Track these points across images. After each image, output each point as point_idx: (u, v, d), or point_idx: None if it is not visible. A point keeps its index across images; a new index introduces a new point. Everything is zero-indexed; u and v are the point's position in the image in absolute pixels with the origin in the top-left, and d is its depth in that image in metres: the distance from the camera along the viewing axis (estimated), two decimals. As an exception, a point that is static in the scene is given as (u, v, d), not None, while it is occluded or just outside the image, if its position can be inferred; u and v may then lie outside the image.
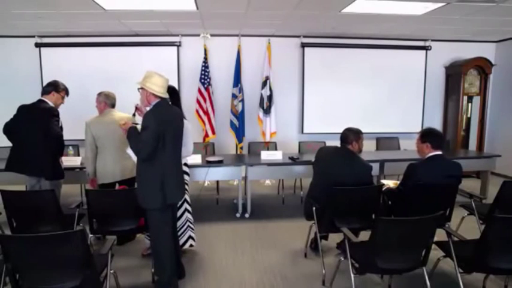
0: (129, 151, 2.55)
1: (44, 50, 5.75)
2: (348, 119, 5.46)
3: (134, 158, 2.56)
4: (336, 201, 2.76)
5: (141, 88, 2.48)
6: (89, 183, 3.37)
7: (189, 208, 3.24)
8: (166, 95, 2.51)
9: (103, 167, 3.26)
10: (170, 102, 2.65)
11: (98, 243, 3.39)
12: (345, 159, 2.91)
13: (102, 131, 3.23)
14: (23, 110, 3.26)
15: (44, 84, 3.54)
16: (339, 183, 2.72)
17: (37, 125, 3.16)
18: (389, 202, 3.08)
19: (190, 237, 3.26)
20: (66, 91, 3.46)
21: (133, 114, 2.59)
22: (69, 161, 4.14)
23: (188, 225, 3.23)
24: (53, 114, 3.24)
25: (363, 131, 3.04)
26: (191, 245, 3.27)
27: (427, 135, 2.86)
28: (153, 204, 2.48)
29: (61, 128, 3.32)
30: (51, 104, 3.31)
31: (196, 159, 4.24)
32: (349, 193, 2.75)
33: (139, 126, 2.48)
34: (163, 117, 2.43)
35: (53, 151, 3.24)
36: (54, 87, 3.35)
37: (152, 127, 2.37)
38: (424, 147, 2.86)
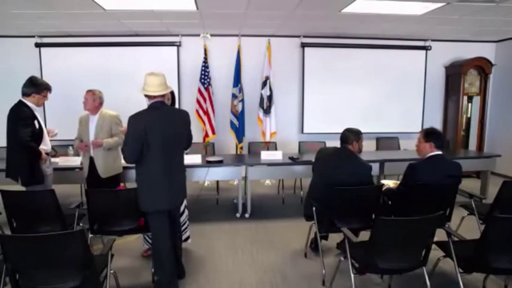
0: None
1: (44, 50, 5.75)
2: (348, 119, 5.47)
3: None
4: (336, 201, 2.76)
5: None
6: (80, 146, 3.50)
7: (186, 204, 3.27)
8: (159, 92, 2.45)
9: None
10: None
11: (98, 243, 3.39)
12: (345, 160, 2.91)
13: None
14: (8, 112, 3.14)
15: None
16: (339, 184, 2.71)
17: (9, 129, 3.08)
18: (390, 202, 3.08)
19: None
20: (48, 89, 3.24)
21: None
22: (68, 161, 4.15)
23: (188, 221, 3.30)
24: (19, 117, 3.04)
25: (363, 131, 3.05)
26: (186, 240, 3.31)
27: (432, 135, 2.85)
28: (144, 207, 2.52)
29: (37, 129, 3.12)
30: (30, 105, 3.12)
31: (196, 159, 4.25)
32: (349, 193, 2.75)
33: None
34: (146, 121, 2.37)
35: (27, 156, 3.05)
36: (35, 89, 3.13)
37: (131, 131, 2.38)
38: (427, 147, 2.84)
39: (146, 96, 2.49)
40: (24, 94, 3.14)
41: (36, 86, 3.15)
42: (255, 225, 4.13)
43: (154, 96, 2.46)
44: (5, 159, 3.17)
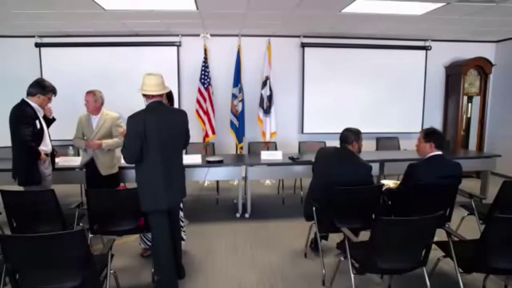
0: None
1: (44, 50, 5.75)
2: (348, 119, 5.46)
3: None
4: (336, 201, 2.76)
5: None
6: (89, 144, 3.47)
7: (181, 206, 3.25)
8: (157, 92, 2.48)
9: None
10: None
11: (98, 243, 3.39)
12: (345, 160, 2.91)
13: None
14: (11, 111, 3.14)
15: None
16: (339, 184, 2.71)
17: (12, 128, 3.09)
18: (389, 202, 3.08)
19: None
20: (53, 92, 3.26)
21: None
22: (68, 161, 4.14)
23: (182, 223, 3.26)
24: (22, 116, 3.05)
25: (363, 131, 3.05)
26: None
27: (432, 135, 2.85)
28: (144, 207, 2.52)
29: (37, 129, 3.12)
30: (34, 105, 3.13)
31: (196, 159, 4.25)
32: (349, 193, 2.75)
33: None
34: (144, 121, 2.39)
35: (26, 156, 3.06)
36: (41, 90, 3.15)
37: (130, 132, 2.40)
38: (427, 147, 2.84)
39: (144, 96, 2.51)
40: (29, 94, 3.16)
41: (43, 88, 3.18)
42: (255, 225, 4.13)
43: (153, 96, 2.49)
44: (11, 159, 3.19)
